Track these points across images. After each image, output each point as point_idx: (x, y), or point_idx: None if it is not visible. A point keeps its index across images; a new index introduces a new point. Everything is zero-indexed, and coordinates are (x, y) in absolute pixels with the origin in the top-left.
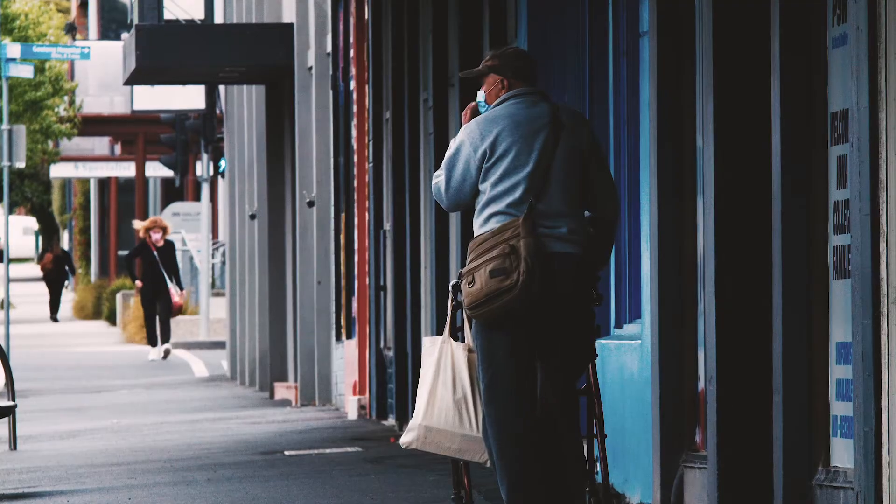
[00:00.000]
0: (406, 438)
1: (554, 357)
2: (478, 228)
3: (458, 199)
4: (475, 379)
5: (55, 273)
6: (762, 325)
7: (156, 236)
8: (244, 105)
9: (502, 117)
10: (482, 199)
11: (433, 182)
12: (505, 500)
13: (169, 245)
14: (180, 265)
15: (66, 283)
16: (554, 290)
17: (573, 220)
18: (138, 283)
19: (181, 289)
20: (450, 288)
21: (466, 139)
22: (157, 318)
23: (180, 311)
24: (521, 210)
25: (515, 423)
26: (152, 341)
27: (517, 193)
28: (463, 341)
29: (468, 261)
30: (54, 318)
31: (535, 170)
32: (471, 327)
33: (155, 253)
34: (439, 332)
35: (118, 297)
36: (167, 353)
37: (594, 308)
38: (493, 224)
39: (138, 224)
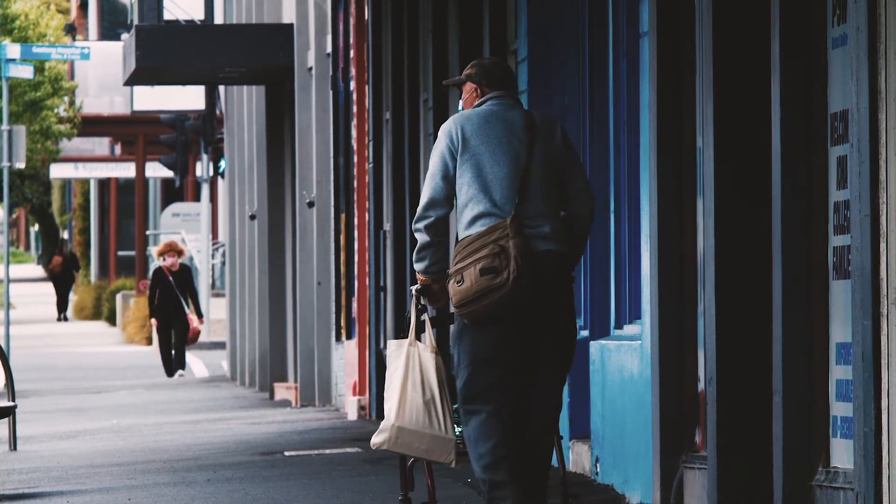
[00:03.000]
0: (377, 439)
1: (546, 356)
2: (463, 230)
3: (434, 192)
4: (442, 381)
5: (63, 275)
6: (762, 326)
7: (170, 260)
8: (244, 105)
9: (475, 115)
10: (461, 200)
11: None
12: (486, 500)
13: (185, 269)
14: None
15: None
16: (542, 287)
17: (553, 220)
18: (153, 321)
19: (200, 315)
20: (413, 292)
21: (443, 133)
22: (172, 345)
23: (197, 337)
24: (505, 211)
25: (497, 422)
26: (167, 369)
27: (496, 195)
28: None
29: (455, 261)
30: (63, 318)
31: (513, 171)
32: (433, 328)
33: (170, 278)
34: (403, 336)
35: (118, 297)
36: (181, 377)
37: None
38: (479, 227)
39: (157, 252)
